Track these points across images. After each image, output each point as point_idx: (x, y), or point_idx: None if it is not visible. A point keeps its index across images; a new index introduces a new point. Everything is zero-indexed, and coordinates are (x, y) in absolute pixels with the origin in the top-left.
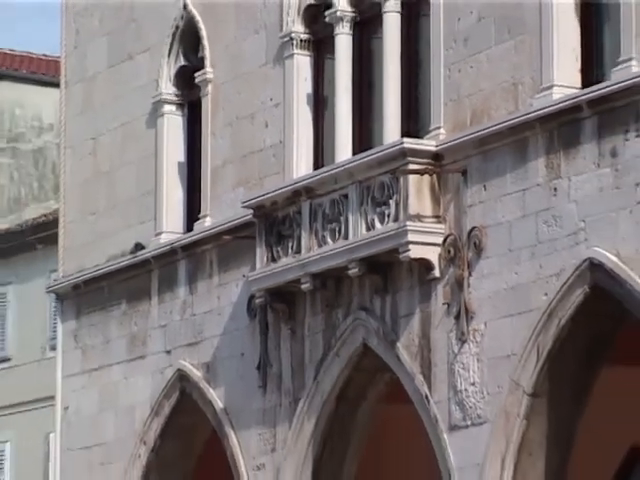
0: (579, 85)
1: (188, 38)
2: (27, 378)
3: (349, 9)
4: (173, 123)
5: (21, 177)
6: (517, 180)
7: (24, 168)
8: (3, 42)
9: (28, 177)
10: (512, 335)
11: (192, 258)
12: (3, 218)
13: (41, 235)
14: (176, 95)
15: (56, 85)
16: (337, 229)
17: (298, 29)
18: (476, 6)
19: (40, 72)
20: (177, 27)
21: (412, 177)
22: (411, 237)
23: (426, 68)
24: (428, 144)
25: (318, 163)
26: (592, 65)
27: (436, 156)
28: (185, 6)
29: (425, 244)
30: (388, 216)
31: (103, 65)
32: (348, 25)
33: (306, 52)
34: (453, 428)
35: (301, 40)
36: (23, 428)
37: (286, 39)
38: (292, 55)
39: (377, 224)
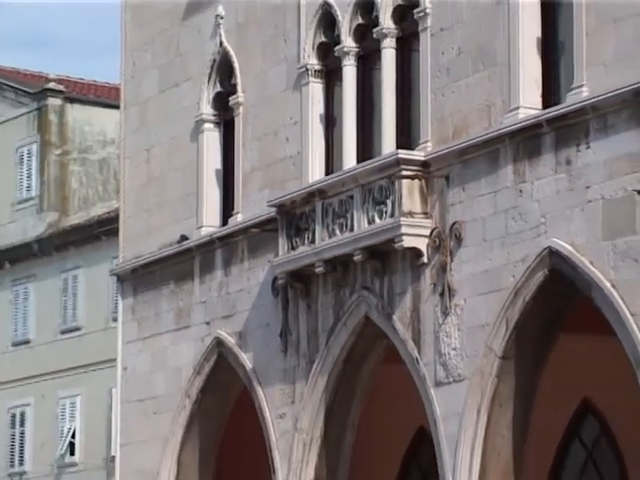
0: (540, 107)
1: (223, 69)
2: (94, 344)
3: (354, 45)
4: (211, 138)
5: (89, 181)
6: (490, 184)
7: (91, 174)
8: (74, 72)
9: (94, 181)
10: (486, 309)
11: (227, 247)
12: (74, 215)
13: (105, 228)
14: (213, 115)
15: (117, 107)
16: (344, 223)
17: (312, 62)
18: (457, 43)
19: (104, 96)
20: (214, 60)
21: (405, 181)
22: (404, 230)
23: (416, 93)
24: (418, 154)
25: (329, 170)
26: (550, 90)
27: (424, 164)
28: (221, 43)
29: (415, 236)
30: (385, 213)
31: (154, 91)
32: (353, 58)
33: (319, 80)
34: (438, 384)
35: (315, 71)
36: (91, 384)
37: (303, 70)
38: (308, 83)
39: (377, 219)
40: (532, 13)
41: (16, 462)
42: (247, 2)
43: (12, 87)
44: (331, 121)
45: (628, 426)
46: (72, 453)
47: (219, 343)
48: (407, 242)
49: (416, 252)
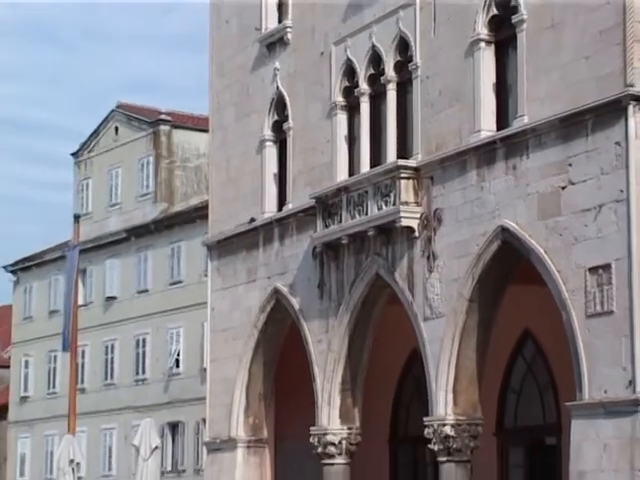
0: (495, 130)
1: (279, 104)
2: (192, 292)
3: (367, 88)
4: (270, 152)
5: (187, 181)
6: (460, 182)
7: (189, 176)
8: (177, 107)
9: (191, 181)
10: (458, 268)
11: (281, 226)
12: (178, 204)
13: (199, 214)
14: (272, 136)
15: (206, 131)
16: (361, 210)
17: (339, 99)
18: (438, 86)
19: (198, 124)
20: (273, 98)
21: (403, 181)
22: (402, 214)
23: (410, 120)
24: (412, 162)
25: (351, 173)
26: (502, 118)
27: (416, 169)
28: (277, 87)
29: (410, 218)
30: (389, 202)
31: (232, 120)
32: (367, 97)
33: (344, 112)
34: (425, 319)
35: (341, 106)
36: (189, 320)
37: (333, 105)
38: (336, 114)
39: (383, 207)
40: (488, 66)
41: (140, 372)
42: (296, 59)
43: (135, 118)
44: (352, 140)
45: (555, 347)
46: (177, 366)
47: (276, 291)
48: (404, 222)
49: (410, 229)
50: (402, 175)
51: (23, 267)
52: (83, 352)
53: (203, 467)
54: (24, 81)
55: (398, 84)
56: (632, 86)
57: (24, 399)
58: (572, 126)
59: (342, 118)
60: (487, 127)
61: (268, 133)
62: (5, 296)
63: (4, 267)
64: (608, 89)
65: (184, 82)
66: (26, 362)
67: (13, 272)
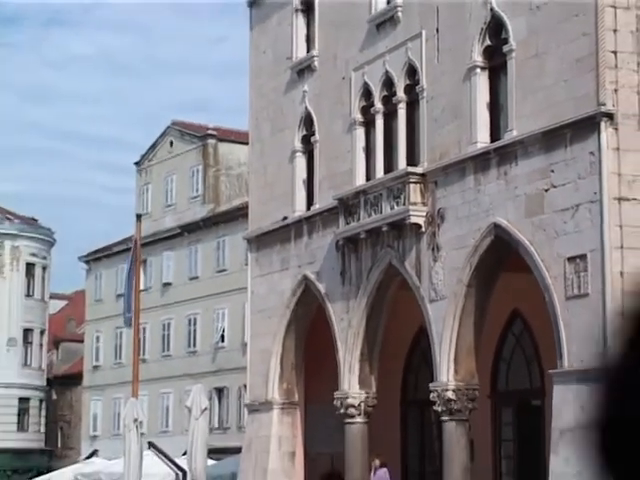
0: (489, 141)
1: (307, 121)
2: (235, 278)
3: (382, 107)
4: (300, 161)
5: (231, 186)
6: (460, 186)
7: (232, 181)
8: (222, 123)
9: (234, 186)
10: (458, 258)
11: (310, 223)
12: (223, 205)
13: (240, 212)
14: (301, 148)
15: (247, 144)
16: (376, 209)
17: (358, 117)
18: (441, 105)
19: (240, 138)
20: (302, 116)
21: (412, 185)
22: (411, 213)
23: (417, 134)
24: (419, 169)
25: (368, 178)
26: (495, 132)
27: (423, 175)
28: (306, 107)
29: (417, 216)
30: (400, 203)
31: (268, 134)
32: (381, 114)
33: (362, 127)
34: (431, 301)
35: (359, 122)
36: (233, 302)
37: (352, 121)
38: (355, 129)
39: (395, 207)
40: (483, 88)
41: (191, 345)
42: (321, 83)
43: (187, 133)
44: (368, 150)
45: (539, 324)
46: (222, 340)
47: (305, 278)
48: (413, 220)
49: (418, 226)
50: (411, 180)
51: (94, 258)
52: (144, 329)
53: (244, 425)
54: (96, 102)
55: (407, 103)
56: (604, 105)
57: (96, 368)
58: (553, 139)
59: (360, 132)
60: (482, 139)
61: (298, 145)
62: (80, 282)
63: (79, 258)
64: (584, 107)
65: (228, 102)
66: (97, 337)
67: (86, 262)
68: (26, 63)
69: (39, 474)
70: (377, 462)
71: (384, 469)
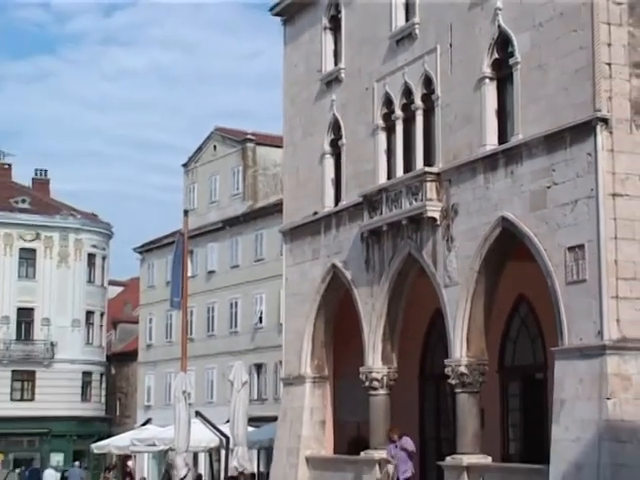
0: (497, 144)
1: (335, 127)
2: (271, 267)
3: (401, 114)
4: (329, 162)
5: (267, 184)
6: (471, 184)
7: (269, 181)
8: (260, 128)
9: (270, 184)
10: (470, 248)
11: (337, 217)
12: (261, 202)
13: (276, 208)
14: (330, 150)
15: (281, 147)
16: (397, 205)
17: (380, 122)
18: (454, 112)
19: (275, 142)
20: (330, 122)
21: (428, 183)
22: (428, 208)
23: (433, 138)
24: (435, 169)
25: (389, 177)
26: (502, 135)
27: (438, 174)
28: (334, 114)
29: (434, 211)
30: (418, 199)
31: (300, 138)
32: (401, 120)
33: (384, 132)
34: (446, 286)
35: (381, 127)
36: (269, 288)
37: (375, 127)
38: (378, 133)
39: (414, 202)
40: (492, 96)
41: (233, 326)
42: (347, 92)
43: (229, 137)
44: (390, 152)
45: (543, 306)
46: (260, 322)
47: (334, 266)
48: (429, 214)
49: (434, 219)
50: (427, 178)
51: (147, 249)
52: (191, 311)
53: (280, 397)
54: (148, 111)
55: (424, 110)
56: (599, 111)
57: (149, 346)
58: (555, 141)
59: (382, 136)
60: (491, 142)
61: (327, 148)
62: (134, 270)
63: (133, 249)
64: (581, 113)
65: (264, 110)
66: (150, 319)
67: (140, 252)
68: (87, 77)
69: (100, 439)
70: (395, 436)
71: (405, 438)
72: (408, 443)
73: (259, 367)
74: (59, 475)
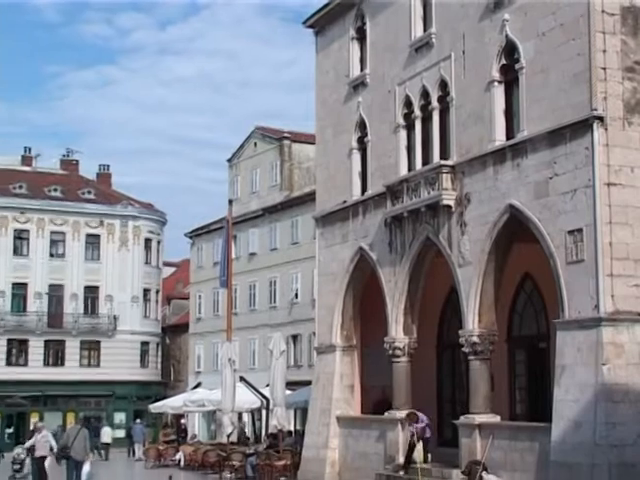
0: (505, 139)
1: (361, 126)
2: (306, 249)
3: (420, 114)
4: (356, 157)
5: (303, 177)
6: (482, 175)
7: (303, 173)
8: (295, 128)
9: (305, 177)
10: (481, 231)
11: (364, 205)
12: (296, 191)
13: (310, 197)
14: (357, 146)
15: (314, 144)
16: (416, 194)
17: (401, 121)
18: (466, 112)
19: (309, 139)
20: (357, 122)
21: (444, 175)
22: (444, 197)
23: (448, 134)
24: (449, 162)
25: (410, 169)
26: (510, 132)
27: (452, 167)
28: (360, 114)
29: (449, 199)
30: (435, 189)
31: (331, 137)
32: (419, 119)
33: (404, 130)
34: (460, 266)
35: (402, 125)
36: (304, 267)
37: (397, 125)
38: (399, 131)
39: (431, 192)
40: (500, 98)
41: (272, 301)
42: (372, 95)
43: (268, 136)
44: (410, 148)
45: (546, 284)
46: (296, 297)
47: (361, 248)
48: (445, 202)
49: (449, 207)
50: (443, 171)
51: (197, 234)
52: (235, 289)
53: (314, 363)
54: (197, 113)
55: (440, 110)
56: (596, 110)
57: (199, 319)
58: (556, 137)
59: (403, 134)
60: (499, 138)
61: (354, 145)
62: (186, 253)
63: (185, 234)
64: (580, 112)
65: (299, 111)
66: (199, 295)
67: (190, 237)
68: (144, 83)
69: (156, 400)
70: (413, 422)
71: (420, 421)
72: (422, 428)
73: (295, 337)
74: (114, 432)
